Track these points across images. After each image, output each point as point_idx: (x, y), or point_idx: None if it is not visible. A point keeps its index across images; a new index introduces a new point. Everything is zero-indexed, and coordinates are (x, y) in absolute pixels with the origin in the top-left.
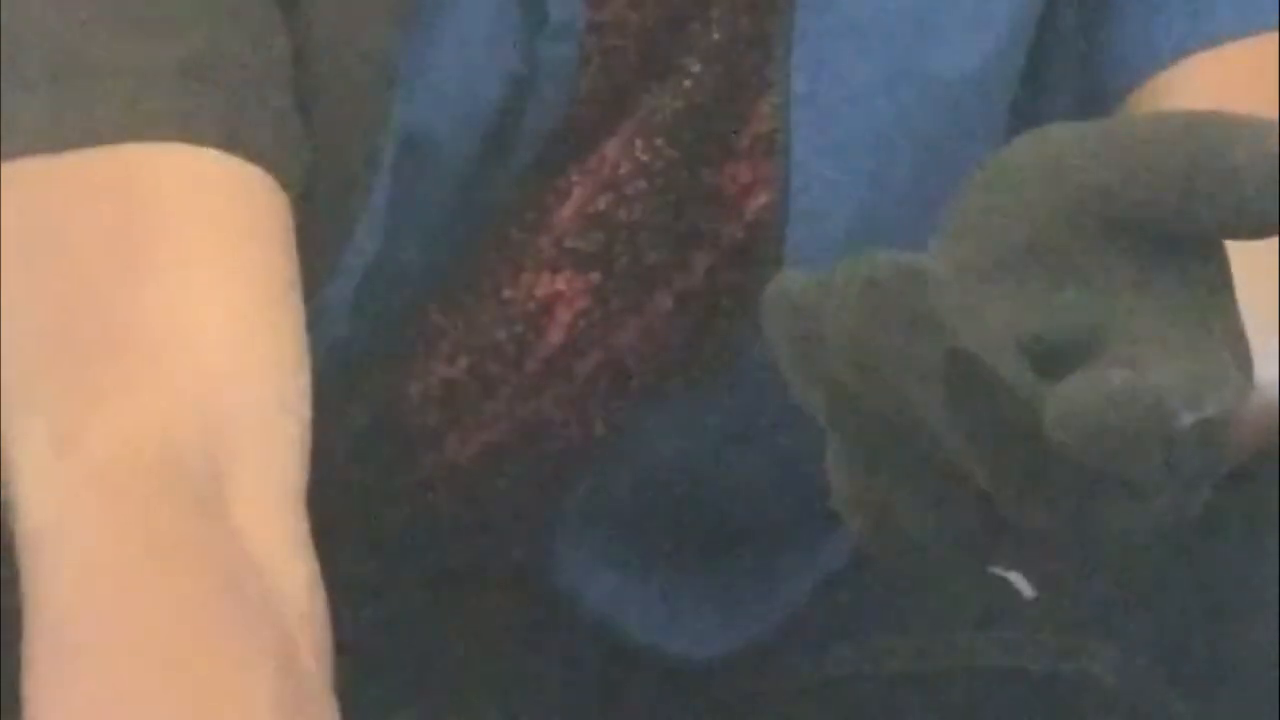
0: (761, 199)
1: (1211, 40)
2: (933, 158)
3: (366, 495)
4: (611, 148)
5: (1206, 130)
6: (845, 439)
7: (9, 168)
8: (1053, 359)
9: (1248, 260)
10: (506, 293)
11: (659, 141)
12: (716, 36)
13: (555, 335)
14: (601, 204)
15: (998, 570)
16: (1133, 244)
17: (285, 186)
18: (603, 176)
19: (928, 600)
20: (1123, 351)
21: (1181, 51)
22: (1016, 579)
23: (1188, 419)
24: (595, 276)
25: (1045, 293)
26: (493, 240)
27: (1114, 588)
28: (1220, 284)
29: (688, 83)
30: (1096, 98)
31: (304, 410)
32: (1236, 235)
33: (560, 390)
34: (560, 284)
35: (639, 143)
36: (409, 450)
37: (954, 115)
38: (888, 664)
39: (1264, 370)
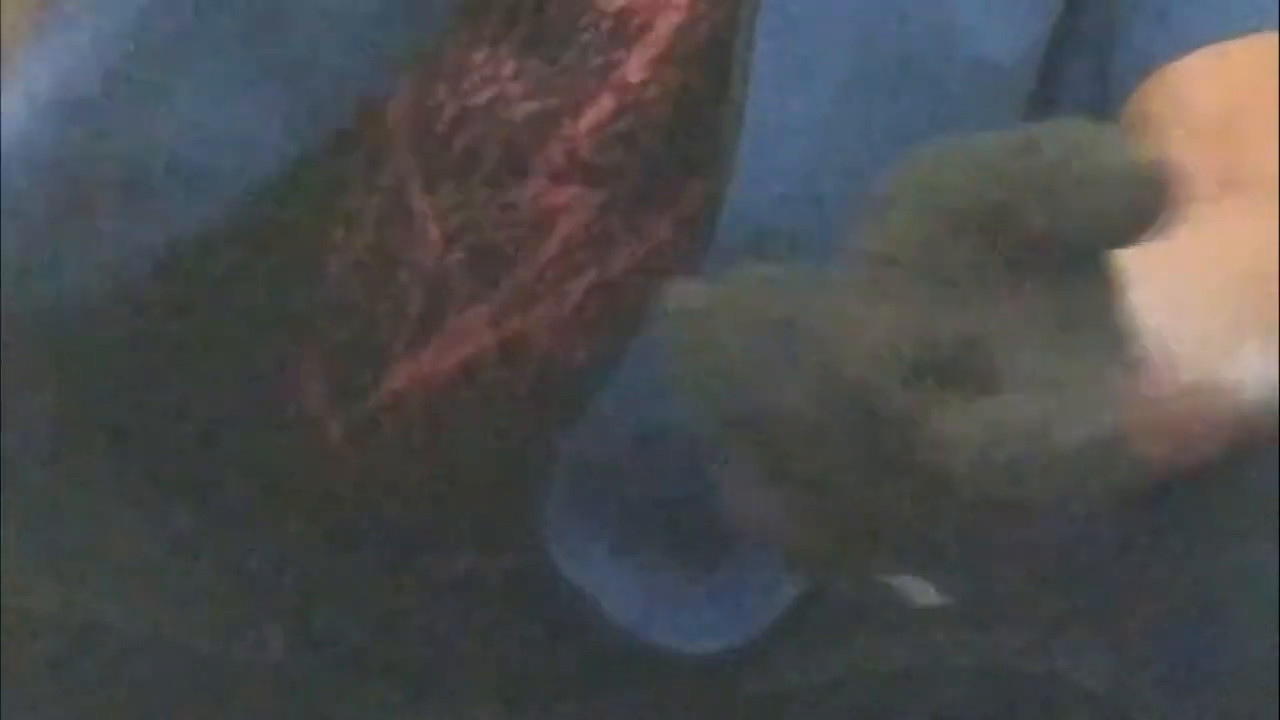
0: None
1: (1227, 32)
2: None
3: (336, 421)
4: (635, 68)
5: (1067, 137)
6: (731, 450)
7: None
8: (936, 374)
9: (1222, 262)
10: (508, 194)
11: (691, 69)
12: None
13: (553, 245)
14: (624, 124)
15: (891, 578)
16: (1009, 255)
17: None
18: (628, 96)
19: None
20: (1003, 372)
21: (1196, 42)
22: (913, 585)
23: (1070, 442)
24: (602, 194)
25: (927, 308)
26: (482, 136)
27: (1098, 587)
28: (1104, 292)
29: (723, 10)
30: (1108, 90)
31: None
32: (1100, 243)
33: (549, 310)
34: (566, 196)
35: (671, 68)
36: (384, 358)
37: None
38: (873, 664)
39: (1228, 372)
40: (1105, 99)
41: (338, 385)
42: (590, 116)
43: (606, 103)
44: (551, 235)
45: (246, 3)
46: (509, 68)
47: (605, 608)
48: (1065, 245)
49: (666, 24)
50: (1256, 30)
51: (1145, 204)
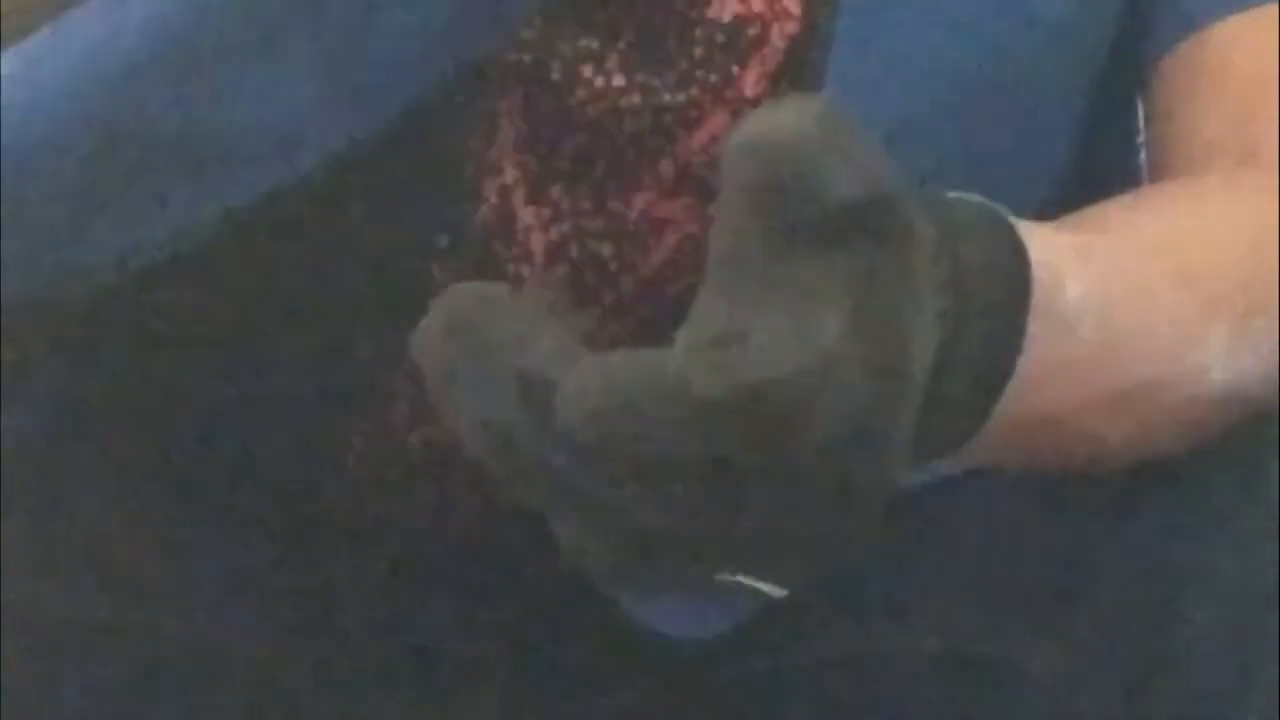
0: None
1: (1243, 5)
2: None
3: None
4: (751, 82)
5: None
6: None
7: None
8: None
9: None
10: (613, 206)
11: (802, 80)
12: None
13: (658, 257)
14: None
15: (728, 577)
16: (771, 240)
17: None
18: (743, 111)
19: (884, 586)
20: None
21: (1233, 7)
22: (753, 583)
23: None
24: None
25: (711, 298)
26: (589, 148)
27: (1055, 577)
28: (857, 270)
29: (827, 22)
30: (1147, 48)
31: None
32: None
33: (644, 313)
34: (676, 209)
35: (785, 81)
36: None
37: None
38: (841, 650)
39: (1193, 357)
40: (1145, 57)
41: (422, 409)
42: (705, 132)
43: (720, 118)
44: (657, 248)
45: None
46: (618, 80)
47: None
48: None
49: (781, 35)
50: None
51: (759, 174)
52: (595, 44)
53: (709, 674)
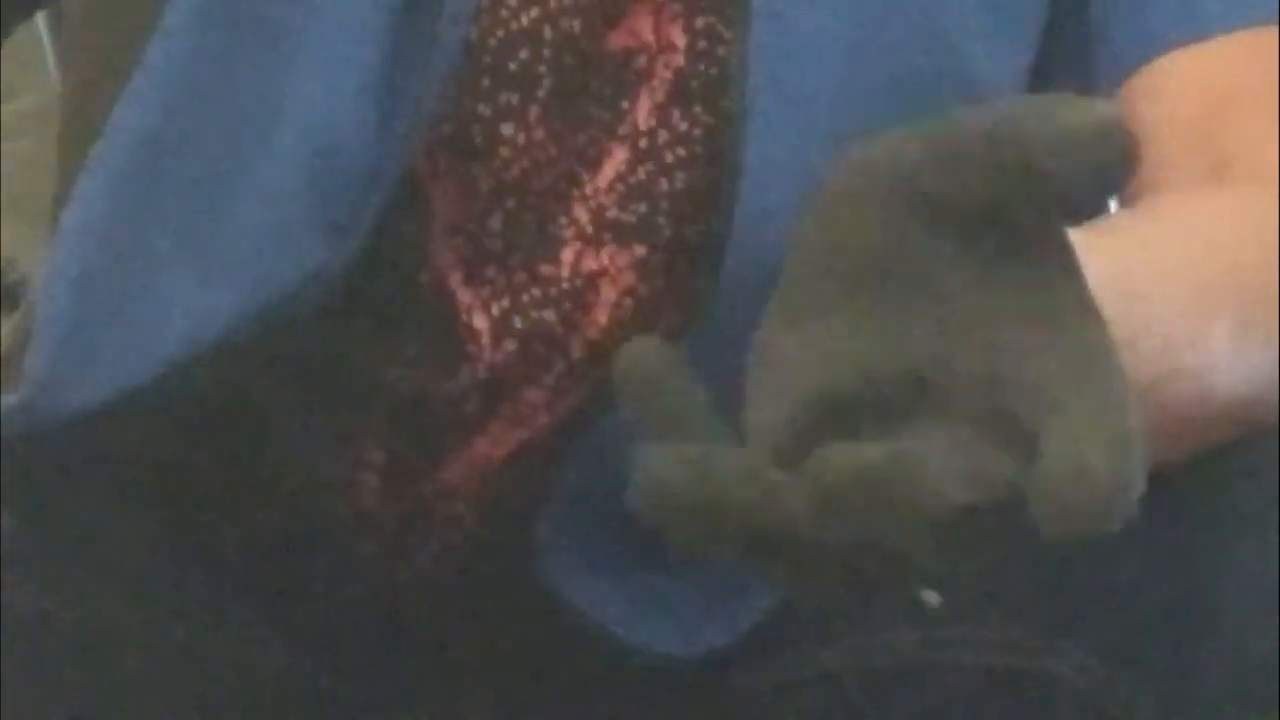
0: None
1: (1202, 33)
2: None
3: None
4: (643, 114)
5: (1035, 108)
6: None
7: None
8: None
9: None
10: (545, 269)
11: (697, 109)
12: None
13: (601, 314)
14: (642, 174)
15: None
16: (970, 245)
17: None
18: (640, 145)
19: (900, 598)
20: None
21: (1172, 44)
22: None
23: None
24: (640, 250)
25: (885, 319)
26: (517, 212)
27: (1086, 587)
28: (1068, 276)
29: (721, 50)
30: (1091, 89)
31: None
32: (1053, 214)
33: (598, 376)
34: (604, 259)
35: (676, 111)
36: (440, 450)
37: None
38: (861, 661)
39: (1195, 359)
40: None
41: (393, 484)
42: (608, 169)
43: (619, 153)
44: (600, 305)
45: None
46: (538, 133)
47: (593, 612)
48: (1007, 218)
49: (667, 68)
50: (1226, 29)
51: (1123, 157)
52: (515, 98)
53: (726, 686)
